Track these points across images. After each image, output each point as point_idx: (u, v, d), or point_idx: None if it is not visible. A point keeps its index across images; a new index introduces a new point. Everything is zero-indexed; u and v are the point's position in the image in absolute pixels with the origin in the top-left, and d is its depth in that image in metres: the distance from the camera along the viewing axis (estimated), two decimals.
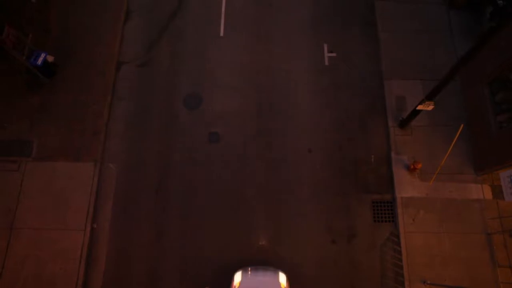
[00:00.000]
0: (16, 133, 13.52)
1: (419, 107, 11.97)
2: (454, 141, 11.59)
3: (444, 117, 13.96)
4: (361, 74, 14.86)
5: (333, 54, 15.08)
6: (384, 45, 15.09)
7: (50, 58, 13.87)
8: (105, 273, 12.18)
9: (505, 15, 8.68)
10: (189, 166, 13.46)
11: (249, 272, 11.22)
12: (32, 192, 12.78)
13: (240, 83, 14.64)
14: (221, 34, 15.39)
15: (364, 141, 13.89)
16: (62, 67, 14.49)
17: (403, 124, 13.61)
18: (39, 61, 13.32)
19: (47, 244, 12.22)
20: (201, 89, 14.51)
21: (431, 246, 12.44)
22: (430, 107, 11.85)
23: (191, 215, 12.86)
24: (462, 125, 11.26)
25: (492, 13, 14.27)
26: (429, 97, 11.67)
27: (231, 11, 15.76)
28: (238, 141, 13.78)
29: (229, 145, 13.73)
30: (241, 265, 11.96)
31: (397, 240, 12.61)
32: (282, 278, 11.19)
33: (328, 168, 13.52)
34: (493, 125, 12.54)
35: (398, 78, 14.57)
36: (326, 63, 14.98)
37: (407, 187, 13.08)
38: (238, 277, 11.21)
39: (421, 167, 12.99)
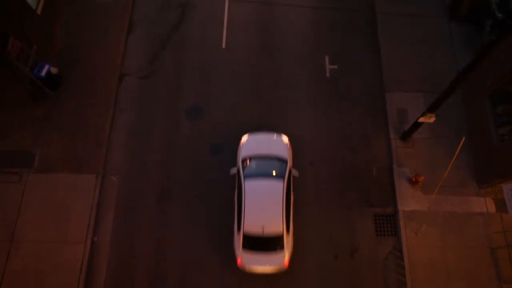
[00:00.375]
0: (19, 145, 13.57)
1: (421, 120, 11.96)
2: (456, 154, 11.55)
3: (445, 130, 13.94)
4: (362, 86, 14.90)
5: (335, 66, 15.16)
6: (385, 58, 15.15)
7: (54, 70, 14.00)
8: (105, 286, 12.08)
9: (504, 28, 8.71)
10: (190, 177, 13.43)
11: (255, 132, 13.08)
12: (33, 204, 12.77)
13: (242, 94, 14.70)
14: (223, 45, 15.52)
15: (365, 154, 13.85)
16: (66, 79, 14.64)
17: (405, 136, 13.60)
18: (43, 73, 13.44)
19: (47, 257, 12.16)
20: (203, 101, 14.58)
21: (434, 260, 12.30)
22: (432, 120, 11.84)
23: (192, 227, 12.79)
24: (463, 138, 11.22)
25: (492, 26, 14.34)
26: (430, 110, 11.67)
27: (233, 23, 15.93)
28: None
29: (230, 157, 13.71)
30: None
31: (400, 254, 12.47)
32: (285, 137, 12.86)
33: (330, 180, 13.46)
34: (495, 137, 12.51)
35: (399, 90, 14.61)
36: (328, 75, 15.04)
37: (409, 200, 13.00)
38: (245, 137, 12.90)
39: (423, 180, 12.92)
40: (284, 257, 11.45)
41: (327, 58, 15.31)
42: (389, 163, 13.69)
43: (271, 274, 12.23)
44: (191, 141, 13.97)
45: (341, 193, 13.29)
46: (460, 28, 15.59)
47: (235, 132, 14.06)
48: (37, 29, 14.49)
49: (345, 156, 13.80)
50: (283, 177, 11.77)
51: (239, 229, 11.53)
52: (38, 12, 14.73)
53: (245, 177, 11.82)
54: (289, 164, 12.11)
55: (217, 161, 13.68)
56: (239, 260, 11.57)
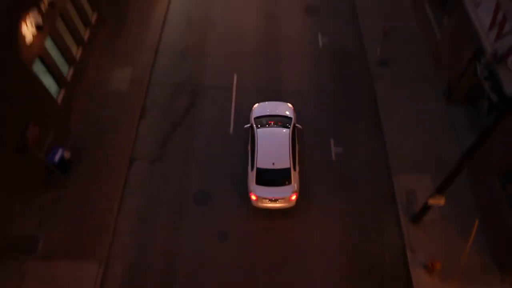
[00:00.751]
0: (24, 229, 13.45)
1: (430, 202, 11.74)
2: (471, 238, 11.04)
3: (457, 210, 13.57)
4: (368, 168, 14.95)
5: (340, 149, 15.42)
6: (389, 140, 15.46)
7: (67, 155, 14.48)
8: None
9: (500, 112, 8.95)
10: (197, 267, 12.90)
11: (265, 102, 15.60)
12: None
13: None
14: (231, 131, 16.10)
15: (377, 240, 13.33)
16: (78, 162, 15.06)
17: (416, 219, 13.21)
18: (56, 158, 13.91)
19: None
20: (211, 186, 14.62)
21: None
22: (442, 202, 11.62)
23: None
24: (476, 221, 10.88)
25: (489, 108, 14.80)
26: (439, 191, 11.53)
27: (240, 110, 16.72)
28: (247, 241, 13.37)
29: (238, 245, 13.30)
30: None
31: None
32: (289, 104, 15.21)
33: (340, 270, 12.77)
34: (509, 219, 12.06)
35: (406, 172, 14.60)
36: (333, 158, 15.23)
37: None
38: (256, 104, 15.27)
39: (440, 266, 12.19)
40: (291, 190, 12.99)
41: (332, 141, 15.65)
42: (402, 249, 13.09)
43: None
44: (198, 227, 13.69)
45: (353, 284, 12.48)
46: (459, 110, 16.11)
47: (244, 218, 13.82)
48: (55, 116, 15.37)
49: (355, 243, 13.28)
50: (289, 127, 13.96)
51: (252, 168, 13.30)
52: (59, 101, 15.77)
53: (257, 128, 14.01)
54: (293, 120, 14.29)
55: (224, 248, 13.24)
56: (252, 195, 13.09)
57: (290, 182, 13.03)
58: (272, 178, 13.02)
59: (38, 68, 14.54)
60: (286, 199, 12.99)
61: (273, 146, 13.43)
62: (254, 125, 14.11)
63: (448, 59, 16.37)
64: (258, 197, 12.99)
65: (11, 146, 12.78)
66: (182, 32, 19.93)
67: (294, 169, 13.23)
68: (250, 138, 14.15)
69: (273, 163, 13.10)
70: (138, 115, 16.58)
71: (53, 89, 15.57)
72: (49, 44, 15.30)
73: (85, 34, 18.37)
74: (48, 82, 15.20)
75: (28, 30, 13.64)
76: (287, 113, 14.60)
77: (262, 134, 13.75)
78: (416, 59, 18.05)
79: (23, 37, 13.40)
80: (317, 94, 17.15)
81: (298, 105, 16.80)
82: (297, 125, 14.68)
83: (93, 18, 19.15)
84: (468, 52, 14.61)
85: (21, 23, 13.30)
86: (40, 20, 14.34)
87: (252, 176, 13.18)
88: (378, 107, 16.48)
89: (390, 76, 17.48)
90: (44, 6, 14.70)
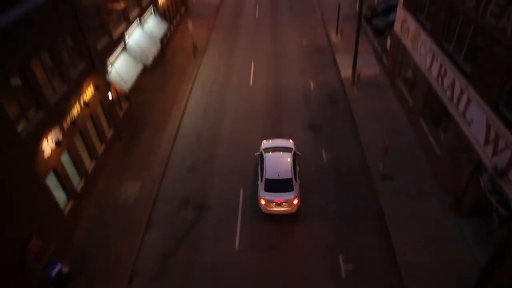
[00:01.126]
0: None
1: None
2: None
3: None
4: (382, 287, 13.96)
5: (350, 266, 14.64)
6: (401, 257, 14.73)
7: (65, 269, 13.88)
8: None
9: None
10: None
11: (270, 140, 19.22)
12: None
13: None
14: (236, 247, 15.61)
15: None
16: (77, 275, 14.34)
17: None
18: (54, 273, 13.31)
19: None
20: None
21: None
22: None
23: None
24: None
25: (500, 221, 14.47)
26: None
27: (246, 224, 16.51)
28: None
29: None
30: None
31: None
32: (291, 141, 19.17)
33: None
34: None
35: None
36: (343, 275, 14.36)
37: None
38: (264, 141, 19.02)
39: None
40: (293, 195, 15.83)
41: (340, 258, 14.99)
42: None
43: None
44: None
45: None
46: (468, 222, 15.73)
47: None
48: (60, 228, 15.19)
49: None
50: (290, 152, 17.50)
51: (261, 180, 16.47)
52: (66, 212, 15.81)
53: (265, 153, 17.53)
54: (294, 149, 17.80)
55: None
56: (262, 200, 15.95)
57: (292, 189, 15.97)
58: (278, 186, 16.02)
59: (51, 181, 15.00)
60: (289, 202, 15.79)
61: (278, 163, 16.80)
62: (264, 153, 17.51)
63: (450, 174, 16.67)
64: (266, 202, 15.82)
65: (9, 259, 12.35)
66: (191, 149, 21.04)
67: (296, 180, 16.29)
68: (259, 162, 17.58)
69: (278, 175, 16.31)
70: (144, 228, 16.39)
71: (62, 200, 15.79)
72: (65, 158, 16.09)
73: (100, 149, 19.46)
74: (58, 193, 15.51)
75: (47, 145, 14.53)
76: (289, 145, 18.22)
77: (269, 156, 17.30)
78: (419, 172, 18.46)
79: (42, 152, 14.20)
80: (323, 209, 17.11)
81: (304, 220, 16.64)
82: (297, 152, 18.16)
83: (109, 134, 20.53)
84: (469, 167, 14.99)
85: (42, 139, 14.26)
86: (60, 136, 15.40)
87: (261, 186, 16.27)
88: (386, 221, 16.21)
89: (395, 189, 17.65)
90: (66, 124, 15.96)
